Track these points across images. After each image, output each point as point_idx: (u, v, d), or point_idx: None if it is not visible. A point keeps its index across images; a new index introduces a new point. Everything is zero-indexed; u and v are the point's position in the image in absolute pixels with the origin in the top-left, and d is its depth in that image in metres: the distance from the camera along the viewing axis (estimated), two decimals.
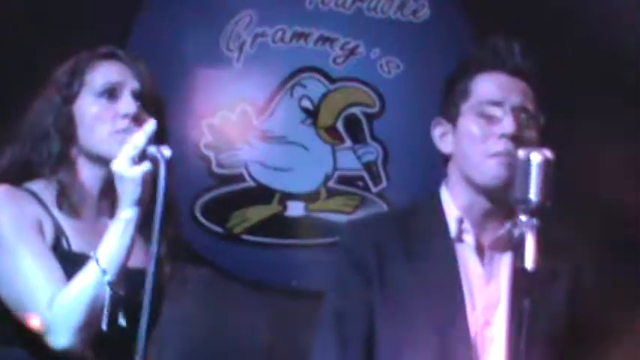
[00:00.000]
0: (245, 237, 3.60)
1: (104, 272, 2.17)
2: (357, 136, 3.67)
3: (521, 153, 2.03)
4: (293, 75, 3.64)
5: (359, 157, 3.67)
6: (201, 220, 3.58)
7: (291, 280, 3.59)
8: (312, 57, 3.65)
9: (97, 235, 2.26)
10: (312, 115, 3.65)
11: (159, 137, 2.23)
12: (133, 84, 2.30)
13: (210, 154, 3.59)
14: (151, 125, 2.21)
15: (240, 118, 3.61)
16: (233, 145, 3.60)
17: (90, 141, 2.29)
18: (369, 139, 3.67)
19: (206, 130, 3.59)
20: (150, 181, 2.18)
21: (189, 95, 3.58)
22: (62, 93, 2.31)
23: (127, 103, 2.27)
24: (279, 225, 3.62)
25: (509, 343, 2.14)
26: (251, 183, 3.62)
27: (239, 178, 3.60)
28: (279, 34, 3.64)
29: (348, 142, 3.67)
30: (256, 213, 3.61)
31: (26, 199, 2.27)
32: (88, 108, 2.30)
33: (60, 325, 2.15)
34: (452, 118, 2.32)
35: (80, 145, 2.30)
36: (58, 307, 2.15)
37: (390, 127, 3.66)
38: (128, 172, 2.18)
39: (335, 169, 3.66)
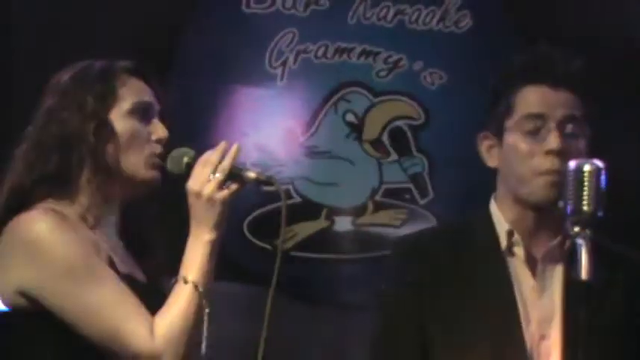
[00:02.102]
0: (294, 253, 3.61)
1: (201, 295, 2.09)
2: (402, 149, 3.67)
3: (571, 164, 2.01)
4: (337, 90, 3.65)
5: (405, 170, 3.66)
6: (250, 238, 3.59)
7: (341, 294, 3.59)
8: (356, 71, 3.65)
9: (123, 255, 2.18)
10: (356, 129, 3.65)
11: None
12: (157, 105, 2.22)
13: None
14: (238, 147, 2.17)
15: (285, 135, 3.62)
16: (279, 162, 3.61)
17: (123, 161, 2.17)
18: (414, 151, 3.67)
19: (252, 148, 3.60)
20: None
21: (234, 114, 3.60)
22: (96, 101, 2.16)
23: (161, 127, 2.19)
24: (328, 240, 3.63)
25: (566, 356, 2.12)
26: (298, 199, 3.62)
27: (286, 194, 3.60)
28: (322, 49, 3.65)
29: (394, 155, 3.66)
30: (304, 229, 3.62)
31: (75, 222, 2.11)
32: (124, 123, 2.17)
33: (170, 353, 2.05)
34: (497, 132, 2.30)
35: (109, 161, 2.16)
36: (165, 334, 2.05)
37: (435, 139, 3.66)
38: (217, 194, 2.12)
39: (381, 182, 3.65)
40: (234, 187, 2.15)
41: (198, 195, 2.12)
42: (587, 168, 1.97)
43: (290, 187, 3.61)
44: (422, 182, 3.66)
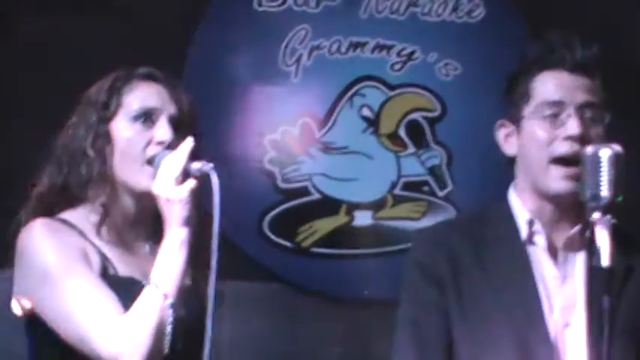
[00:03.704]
0: (314, 250, 3.60)
1: (165, 296, 2.12)
2: (419, 142, 3.65)
3: (589, 149, 2.00)
4: (352, 85, 3.63)
5: (423, 163, 3.65)
6: (269, 236, 3.59)
7: (362, 290, 3.58)
8: (370, 66, 3.64)
9: (138, 259, 2.24)
10: (373, 123, 3.64)
11: (194, 158, 2.18)
12: (170, 109, 2.24)
13: (275, 170, 3.60)
14: (189, 143, 2.17)
15: (301, 132, 3.61)
16: (296, 159, 3.60)
17: (120, 167, 2.22)
18: (432, 144, 3.65)
19: (269, 146, 3.59)
20: (196, 199, 2.14)
21: (249, 113, 3.60)
22: (99, 112, 2.23)
23: (164, 130, 2.21)
24: (348, 235, 3.61)
25: (590, 343, 2.10)
26: (317, 195, 3.61)
27: (304, 191, 3.60)
28: (336, 45, 3.64)
29: (412, 148, 3.65)
30: (324, 225, 3.61)
31: (65, 229, 2.20)
32: (123, 131, 2.23)
33: (131, 354, 2.09)
34: (515, 119, 2.29)
35: (110, 172, 2.23)
36: (125, 337, 2.10)
37: (452, 130, 3.64)
38: (174, 193, 2.14)
39: (400, 175, 3.64)
40: (191, 183, 2.15)
41: (159, 196, 2.15)
42: (604, 153, 1.96)
43: (308, 183, 3.60)
44: (440, 174, 3.64)
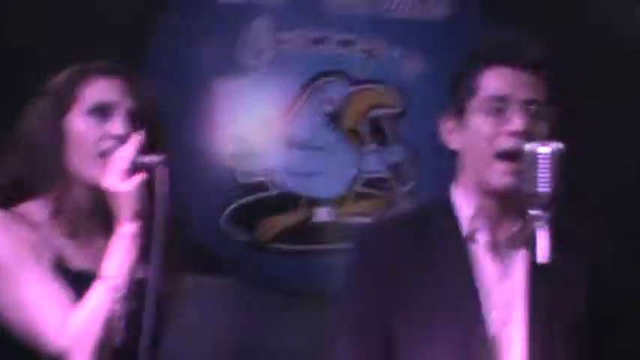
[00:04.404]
0: (273, 245, 3.58)
1: (115, 289, 2.14)
2: (381, 138, 3.63)
3: (528, 146, 1.99)
4: (314, 80, 3.60)
5: (384, 159, 3.63)
6: (228, 231, 3.56)
7: (322, 285, 3.56)
8: (333, 60, 3.61)
9: (94, 252, 2.23)
10: (335, 119, 3.62)
11: (158, 153, 2.19)
12: (128, 103, 2.23)
13: (234, 164, 3.57)
14: (137, 137, 2.18)
15: (262, 126, 3.58)
16: (257, 154, 3.58)
17: (74, 160, 2.23)
18: (393, 141, 3.63)
19: (229, 141, 3.57)
20: (145, 192, 2.15)
21: (210, 106, 3.57)
22: (55, 105, 2.24)
23: (118, 124, 2.21)
24: (307, 231, 3.59)
25: (529, 341, 2.08)
26: (276, 190, 3.59)
27: (264, 186, 3.58)
28: (299, 39, 3.61)
29: (373, 145, 3.63)
30: (283, 220, 3.58)
31: (18, 223, 2.21)
32: (77, 125, 2.23)
33: (78, 348, 2.11)
34: (460, 114, 2.27)
35: (64, 163, 2.23)
36: (73, 330, 2.12)
37: (414, 127, 3.61)
38: (121, 186, 2.15)
39: (361, 172, 3.62)
40: (136, 177, 2.15)
41: (107, 191, 2.17)
42: (542, 150, 1.96)
43: (268, 178, 3.58)
44: (401, 171, 3.62)
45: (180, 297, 2.32)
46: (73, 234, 2.24)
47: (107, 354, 2.14)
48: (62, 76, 2.28)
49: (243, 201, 3.57)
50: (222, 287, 3.53)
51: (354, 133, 3.62)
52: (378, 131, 3.63)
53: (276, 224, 3.59)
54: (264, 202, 3.58)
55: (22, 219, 2.22)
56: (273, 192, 3.58)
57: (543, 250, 1.92)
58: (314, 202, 3.60)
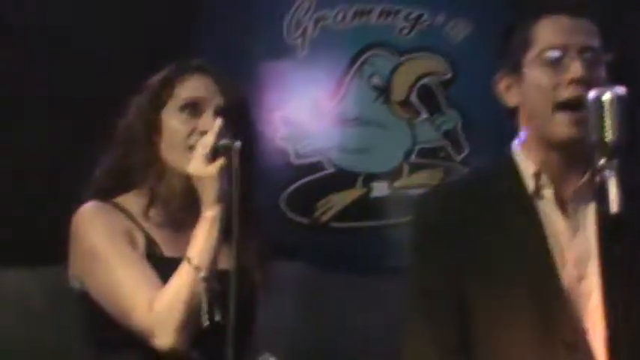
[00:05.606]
0: (333, 224, 3.55)
1: (197, 269, 2.22)
2: (432, 107, 3.57)
3: (591, 93, 1.93)
4: (359, 54, 3.56)
5: (437, 128, 3.58)
6: (287, 214, 3.54)
7: (383, 261, 3.52)
8: (377, 33, 3.56)
9: (185, 240, 2.32)
10: (384, 91, 3.57)
11: (247, 148, 2.31)
12: (217, 100, 2.36)
13: (288, 146, 3.54)
14: (218, 123, 2.29)
15: (312, 106, 3.55)
16: (309, 134, 3.55)
17: (167, 152, 2.36)
18: (445, 108, 3.58)
19: (280, 123, 3.54)
20: (227, 176, 2.24)
21: (258, 90, 3.54)
22: (152, 101, 2.39)
23: (208, 120, 2.33)
24: (366, 208, 3.55)
25: (606, 294, 2.03)
26: (331, 169, 3.55)
27: (319, 166, 3.55)
28: (341, 14, 3.57)
29: (425, 114, 3.58)
30: (341, 199, 3.55)
31: (114, 212, 2.35)
32: (170, 120, 2.37)
33: (162, 326, 2.21)
34: (515, 69, 2.23)
35: (160, 157, 2.37)
36: (158, 309, 2.21)
37: (465, 93, 3.56)
38: (204, 171, 2.25)
39: (415, 143, 3.57)
40: (219, 160, 2.26)
41: (192, 176, 2.29)
42: (606, 96, 1.90)
43: (322, 157, 3.54)
44: (456, 138, 3.57)
45: (270, 284, 2.44)
46: (167, 223, 2.36)
47: (191, 334, 2.23)
48: (160, 74, 2.43)
49: (299, 183, 3.54)
50: (290, 272, 3.51)
51: (404, 103, 3.58)
52: (428, 100, 3.58)
53: (334, 203, 3.55)
54: (320, 181, 3.55)
55: (118, 207, 2.36)
56: (329, 171, 3.55)
57: (614, 201, 1.86)
58: (370, 178, 3.56)
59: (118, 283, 2.26)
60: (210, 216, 2.26)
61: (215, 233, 2.26)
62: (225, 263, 2.31)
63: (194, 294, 2.22)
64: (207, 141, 2.28)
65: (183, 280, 2.23)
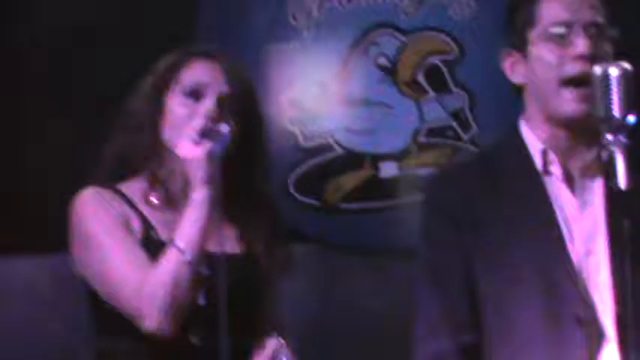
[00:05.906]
0: (343, 206, 3.55)
1: (182, 252, 2.22)
2: (439, 86, 3.57)
3: (597, 69, 1.93)
4: (365, 35, 3.56)
5: (445, 107, 3.57)
6: (296, 196, 3.54)
7: (395, 241, 3.53)
8: (382, 12, 3.55)
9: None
10: (390, 71, 3.57)
11: (252, 134, 2.33)
12: (222, 86, 2.35)
13: (295, 129, 3.55)
14: (208, 106, 2.29)
15: (318, 88, 3.55)
16: (316, 116, 3.55)
17: (168, 136, 2.35)
18: (452, 87, 3.57)
19: (287, 106, 3.54)
20: (218, 160, 2.22)
21: (265, 73, 3.54)
22: (157, 85, 2.38)
23: (209, 104, 2.32)
24: (375, 188, 3.55)
25: (614, 270, 2.04)
26: (340, 151, 3.56)
27: (327, 147, 3.55)
28: None
29: (432, 94, 3.57)
30: (350, 180, 3.55)
31: (112, 197, 2.35)
32: (173, 104, 2.36)
33: (147, 308, 2.22)
34: (520, 46, 2.23)
35: (163, 140, 2.36)
36: (145, 292, 2.22)
37: (472, 71, 3.54)
38: (191, 153, 2.24)
39: (422, 122, 3.57)
40: (207, 143, 2.25)
41: (182, 159, 2.28)
42: (613, 71, 1.90)
43: (330, 139, 3.54)
44: (463, 117, 3.56)
45: (283, 269, 2.42)
46: (167, 205, 2.35)
47: (178, 317, 2.23)
48: (167, 58, 2.42)
49: (308, 165, 3.55)
50: (301, 254, 3.51)
51: (411, 83, 3.57)
52: (435, 79, 3.57)
53: (343, 184, 3.56)
54: (328, 163, 3.55)
55: (118, 193, 2.35)
56: (337, 152, 3.55)
57: (621, 176, 1.86)
58: (378, 158, 3.56)
59: (110, 266, 2.27)
60: (196, 198, 2.25)
61: (202, 215, 2.24)
62: (235, 248, 2.33)
63: (178, 277, 2.22)
64: (196, 124, 2.28)
65: (167, 263, 2.23)
